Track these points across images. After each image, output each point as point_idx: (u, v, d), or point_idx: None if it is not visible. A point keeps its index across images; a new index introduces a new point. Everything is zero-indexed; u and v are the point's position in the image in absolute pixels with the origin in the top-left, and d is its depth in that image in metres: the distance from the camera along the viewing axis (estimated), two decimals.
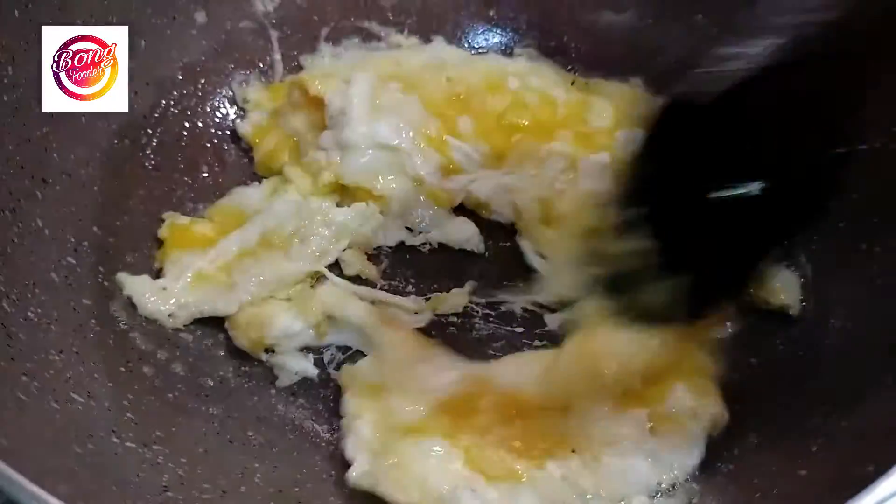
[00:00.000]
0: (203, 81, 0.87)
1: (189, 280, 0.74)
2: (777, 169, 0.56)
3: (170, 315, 0.73)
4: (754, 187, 0.55)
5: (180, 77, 0.85)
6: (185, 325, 0.74)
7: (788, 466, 0.56)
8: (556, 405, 0.66)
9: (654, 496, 0.62)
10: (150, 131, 0.82)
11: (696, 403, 0.65)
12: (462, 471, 0.63)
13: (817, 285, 0.71)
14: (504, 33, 0.96)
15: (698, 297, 0.60)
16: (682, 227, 0.59)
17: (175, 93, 0.84)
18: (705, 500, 0.62)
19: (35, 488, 0.44)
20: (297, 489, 0.64)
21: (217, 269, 0.75)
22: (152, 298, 0.73)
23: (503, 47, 0.95)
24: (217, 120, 0.87)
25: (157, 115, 0.82)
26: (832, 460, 0.53)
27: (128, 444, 0.60)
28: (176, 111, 0.84)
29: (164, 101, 0.83)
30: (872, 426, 0.54)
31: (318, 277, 0.77)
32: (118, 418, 0.62)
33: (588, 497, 0.63)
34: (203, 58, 0.86)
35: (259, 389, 0.72)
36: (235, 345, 0.73)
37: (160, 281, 0.74)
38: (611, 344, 0.68)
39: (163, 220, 0.78)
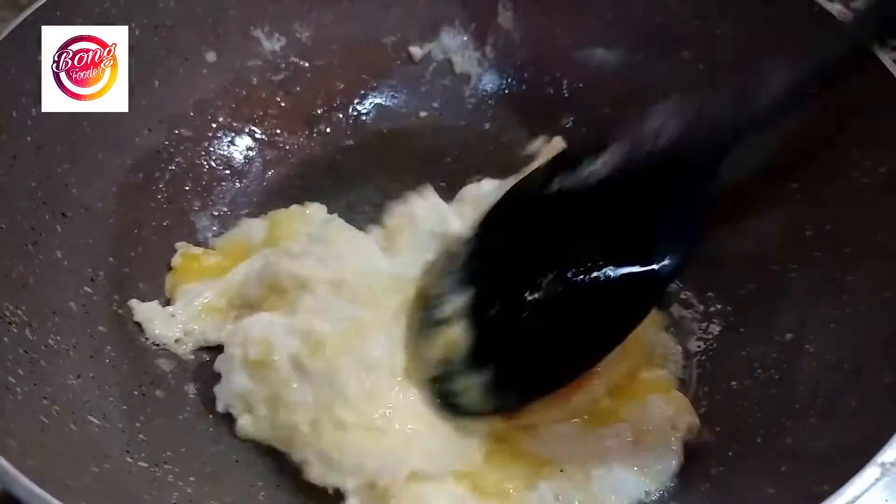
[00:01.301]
0: (213, 118, 0.90)
1: (197, 308, 0.78)
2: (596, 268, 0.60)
3: (177, 341, 0.76)
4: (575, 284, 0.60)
5: (191, 114, 0.89)
6: (194, 351, 0.77)
7: (758, 485, 0.59)
8: (533, 427, 0.69)
9: None
10: (162, 166, 0.85)
11: (673, 414, 0.69)
12: (457, 490, 0.65)
13: (796, 312, 0.73)
14: (499, 70, 0.99)
15: (508, 391, 0.64)
16: (500, 319, 0.63)
17: (186, 129, 0.88)
18: None
19: None
20: None
21: (223, 300, 0.78)
22: (160, 324, 0.76)
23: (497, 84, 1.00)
24: (226, 155, 0.91)
25: (170, 150, 0.86)
26: (797, 479, 0.56)
27: (140, 463, 0.63)
28: (188, 146, 0.88)
29: (176, 137, 0.87)
30: (834, 447, 0.57)
31: None
32: (131, 439, 0.65)
33: None
34: (213, 95, 0.90)
35: None
36: None
37: (169, 308, 0.78)
38: None
39: (175, 250, 0.82)
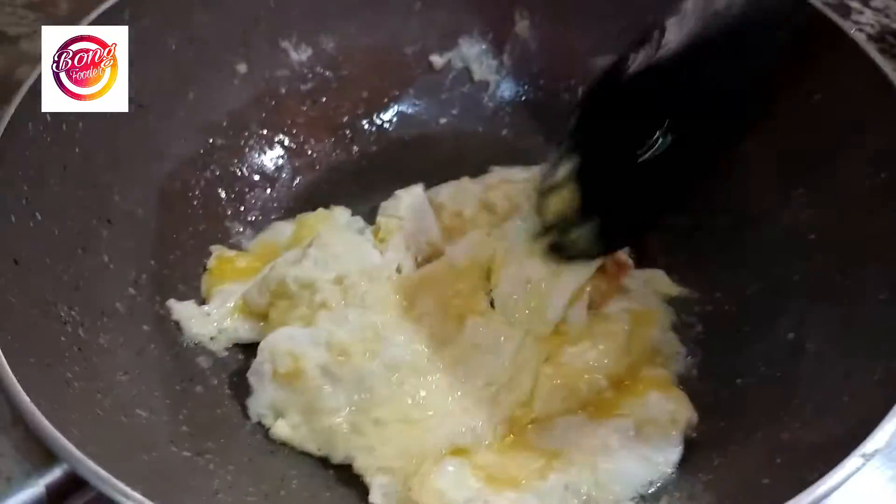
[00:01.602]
0: (245, 127, 0.94)
1: (230, 308, 0.82)
2: (681, 136, 0.72)
3: (212, 338, 0.80)
4: (660, 149, 0.71)
5: (224, 124, 0.93)
6: (228, 349, 0.81)
7: (755, 476, 0.62)
8: (544, 419, 0.74)
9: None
10: (198, 174, 0.90)
11: (673, 409, 0.73)
12: (475, 483, 0.69)
13: (797, 313, 0.76)
14: (516, 77, 1.03)
15: (609, 237, 0.77)
16: (603, 182, 0.76)
17: (221, 138, 0.92)
18: None
19: (127, 488, 0.52)
20: (328, 493, 0.71)
21: None
22: (196, 323, 0.80)
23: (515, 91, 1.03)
24: (257, 163, 0.95)
25: (205, 158, 0.90)
26: (791, 471, 0.59)
27: (184, 453, 0.67)
28: (222, 154, 0.92)
29: (210, 146, 0.91)
30: (825, 440, 0.60)
31: None
32: (175, 431, 0.69)
33: (586, 500, 0.69)
34: (245, 105, 0.94)
35: None
36: None
37: (205, 307, 0.82)
38: (579, 361, 0.76)
39: (210, 253, 0.87)
